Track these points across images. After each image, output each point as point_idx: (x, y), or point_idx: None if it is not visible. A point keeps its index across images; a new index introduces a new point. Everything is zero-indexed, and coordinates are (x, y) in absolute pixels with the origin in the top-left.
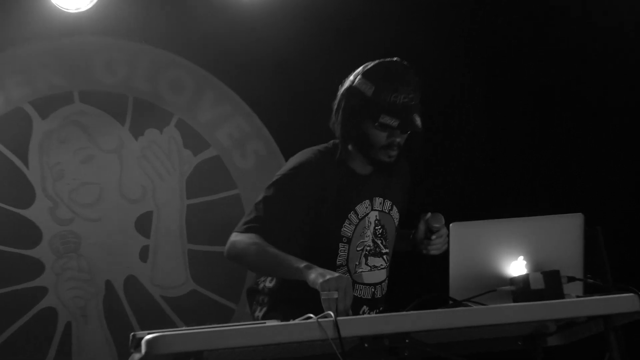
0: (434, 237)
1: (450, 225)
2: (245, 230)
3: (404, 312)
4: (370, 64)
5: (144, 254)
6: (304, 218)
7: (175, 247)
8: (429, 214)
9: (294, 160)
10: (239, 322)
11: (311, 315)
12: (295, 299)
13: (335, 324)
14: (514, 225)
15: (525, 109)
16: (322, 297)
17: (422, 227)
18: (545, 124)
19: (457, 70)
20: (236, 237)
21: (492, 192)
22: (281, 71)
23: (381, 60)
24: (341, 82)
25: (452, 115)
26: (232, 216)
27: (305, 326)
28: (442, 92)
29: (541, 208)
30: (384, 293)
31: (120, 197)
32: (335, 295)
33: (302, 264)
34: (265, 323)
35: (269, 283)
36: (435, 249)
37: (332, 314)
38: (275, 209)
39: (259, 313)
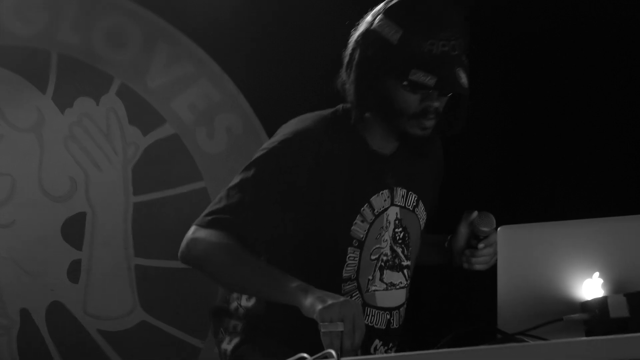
0: (481, 245)
1: (499, 229)
2: (210, 224)
3: (435, 351)
4: None
5: (74, 273)
6: (298, 212)
7: (117, 262)
8: (475, 214)
9: (287, 128)
10: None
11: (305, 355)
12: (283, 329)
13: None
14: (587, 228)
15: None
16: (322, 330)
17: (463, 231)
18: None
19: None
20: (197, 233)
21: (554, 186)
22: (264, 15)
23: None
24: (354, 25)
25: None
26: (197, 217)
27: None
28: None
29: (621, 207)
30: (401, 322)
31: (41, 193)
32: (340, 328)
33: (294, 283)
34: None
35: (246, 302)
36: (482, 262)
37: (334, 353)
38: (256, 197)
39: (227, 345)
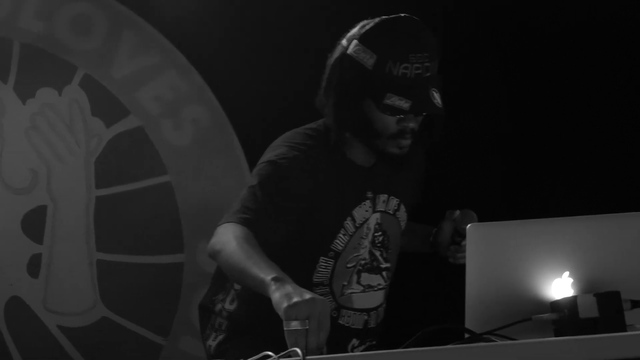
0: (464, 242)
1: (468, 227)
2: (236, 220)
3: (399, 350)
4: (368, 24)
5: (33, 267)
6: (288, 221)
7: (79, 256)
8: (458, 212)
9: (279, 146)
10: None
11: (270, 353)
12: (262, 328)
13: None
14: (557, 227)
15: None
16: (286, 328)
17: (447, 228)
18: (608, 97)
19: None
20: (222, 229)
21: (534, 185)
22: (231, 7)
23: (383, 18)
24: (331, 49)
25: (477, 81)
26: (161, 212)
27: None
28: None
29: (595, 207)
30: (379, 322)
31: (1, 185)
32: (305, 326)
33: (270, 275)
34: None
35: (229, 305)
36: (465, 257)
37: (299, 351)
38: (261, 202)
39: (212, 341)
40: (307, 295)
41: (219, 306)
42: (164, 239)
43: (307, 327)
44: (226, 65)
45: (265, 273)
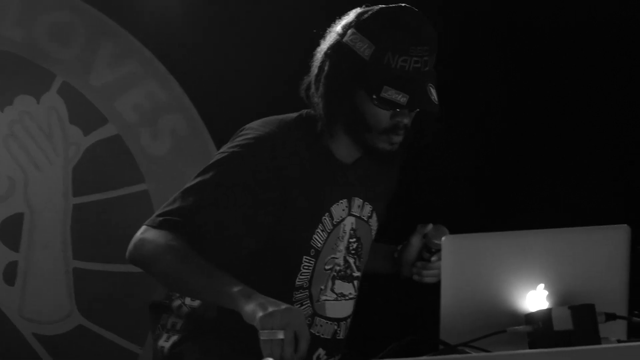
0: (434, 258)
1: (443, 239)
2: (160, 225)
3: None
4: (367, 12)
5: (9, 275)
6: (256, 217)
7: (55, 264)
8: (430, 226)
9: (249, 131)
10: None
11: None
12: (228, 330)
13: None
14: (532, 239)
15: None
16: (262, 338)
17: (416, 243)
18: (582, 111)
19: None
20: (146, 234)
21: (508, 198)
22: (211, 16)
23: (382, 7)
24: (324, 33)
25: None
26: (138, 221)
27: None
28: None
29: (571, 219)
30: (346, 333)
31: None
32: (280, 336)
33: (236, 288)
34: None
35: (191, 301)
36: (433, 275)
37: None
38: (214, 200)
39: (164, 342)
40: (283, 305)
41: (177, 302)
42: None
43: (283, 337)
44: (205, 75)
45: (228, 286)
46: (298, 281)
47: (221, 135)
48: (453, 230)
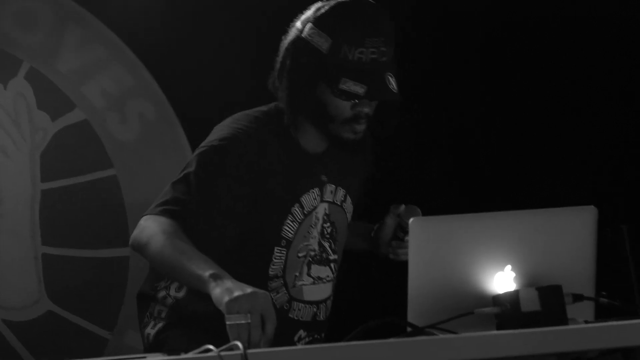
0: (407, 237)
1: (410, 221)
2: (160, 213)
3: (341, 344)
4: (324, 6)
5: None
6: (233, 209)
7: (23, 250)
8: (403, 207)
9: (223, 129)
10: (113, 356)
11: (211, 347)
12: (208, 318)
13: (245, 358)
14: (500, 221)
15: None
16: (228, 323)
17: (390, 222)
18: (552, 95)
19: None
20: (146, 222)
21: (479, 181)
22: (178, 1)
23: (339, 1)
24: (285, 30)
25: (431, 78)
26: (106, 206)
27: None
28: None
29: (541, 202)
30: (327, 314)
31: None
32: (247, 320)
33: (208, 272)
34: (145, 357)
35: (175, 292)
36: (407, 253)
37: (239, 345)
38: (199, 191)
39: (150, 329)
40: (249, 289)
41: (162, 293)
42: (110, 232)
43: (249, 320)
44: (173, 60)
45: (202, 269)
46: (271, 271)
47: (189, 119)
48: (426, 211)
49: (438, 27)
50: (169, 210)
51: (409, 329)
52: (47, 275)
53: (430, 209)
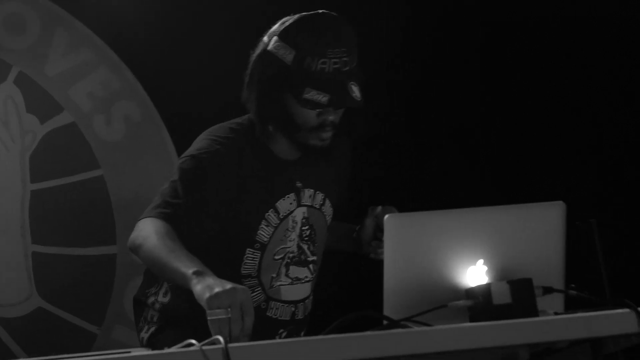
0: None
1: (385, 218)
2: (156, 215)
3: (320, 337)
4: (288, 20)
5: None
6: (211, 215)
7: (14, 249)
8: (379, 208)
9: (201, 141)
10: (102, 350)
11: (193, 341)
12: (193, 319)
13: (226, 352)
14: (472, 217)
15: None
16: (209, 318)
17: (369, 224)
18: (552, 95)
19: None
20: (142, 224)
21: (454, 180)
22: (162, 4)
23: (303, 14)
24: (254, 45)
25: (386, 73)
26: (94, 206)
27: (185, 356)
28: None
29: (509, 197)
30: (307, 313)
31: None
32: (228, 315)
33: (192, 269)
34: (129, 352)
35: (162, 297)
36: None
37: (221, 339)
38: (183, 197)
39: (144, 333)
40: (228, 285)
41: (151, 299)
42: (97, 231)
43: (229, 315)
44: (157, 62)
45: (186, 267)
46: (243, 270)
47: (174, 121)
48: (402, 211)
49: (438, 27)
50: (162, 212)
51: (385, 322)
52: (37, 273)
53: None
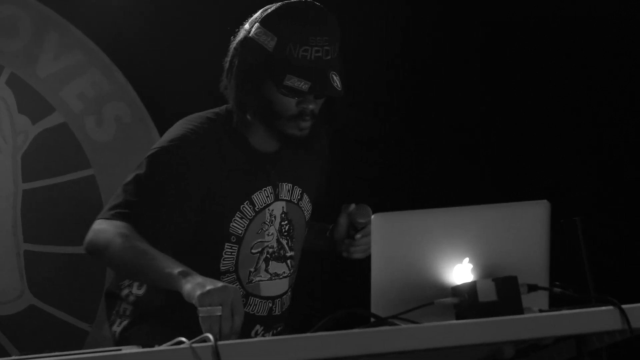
0: (358, 235)
1: (373, 216)
2: (113, 217)
3: (309, 334)
4: (270, 7)
5: None
6: (184, 208)
7: (6, 247)
8: (353, 206)
9: (175, 130)
10: (93, 347)
11: (183, 338)
12: (168, 314)
13: (216, 350)
14: (457, 216)
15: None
16: (200, 315)
17: (343, 222)
18: (552, 95)
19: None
20: (100, 225)
21: (435, 178)
22: (152, 6)
23: (285, 2)
24: (234, 32)
25: (386, 73)
26: (85, 205)
27: (175, 353)
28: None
29: (496, 197)
30: (284, 309)
31: None
32: (218, 313)
33: (177, 269)
34: (120, 350)
35: (136, 289)
36: (359, 251)
37: (211, 337)
38: (149, 193)
39: (116, 327)
40: (219, 283)
41: (125, 291)
42: (88, 229)
43: (220, 313)
44: (147, 64)
45: (170, 268)
46: (222, 266)
47: (163, 121)
48: (379, 210)
49: (438, 27)
50: (120, 213)
51: (372, 320)
52: (29, 271)
53: (381, 207)
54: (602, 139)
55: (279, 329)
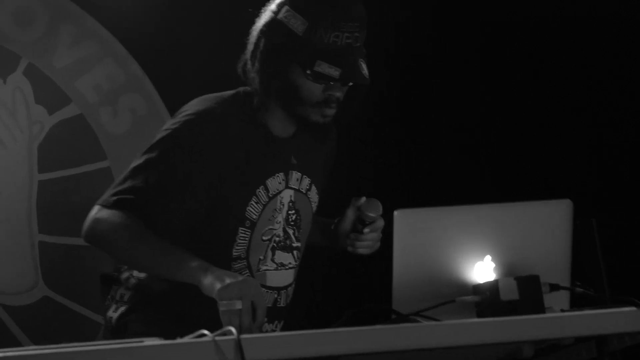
0: (366, 230)
1: (395, 213)
2: (114, 205)
3: (331, 330)
4: None
5: None
6: (199, 191)
7: (21, 238)
8: (363, 199)
9: (188, 109)
10: (107, 340)
11: (205, 332)
12: (172, 301)
13: (239, 343)
14: (479, 214)
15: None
16: (221, 309)
17: (351, 215)
18: (552, 95)
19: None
20: (100, 213)
21: (452, 173)
22: None
23: None
24: (258, 14)
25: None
26: (101, 196)
27: (198, 346)
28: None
29: (518, 195)
30: (288, 301)
31: None
32: (238, 306)
33: (194, 263)
34: (142, 342)
35: (138, 272)
36: (366, 246)
37: (233, 330)
38: (160, 178)
39: (112, 313)
40: (240, 277)
41: (125, 274)
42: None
43: (240, 307)
44: (164, 55)
45: (186, 261)
46: (235, 252)
47: None
48: (390, 204)
49: (438, 27)
50: (124, 200)
51: (393, 316)
52: (43, 262)
53: (393, 202)
54: (602, 139)
55: (282, 322)
